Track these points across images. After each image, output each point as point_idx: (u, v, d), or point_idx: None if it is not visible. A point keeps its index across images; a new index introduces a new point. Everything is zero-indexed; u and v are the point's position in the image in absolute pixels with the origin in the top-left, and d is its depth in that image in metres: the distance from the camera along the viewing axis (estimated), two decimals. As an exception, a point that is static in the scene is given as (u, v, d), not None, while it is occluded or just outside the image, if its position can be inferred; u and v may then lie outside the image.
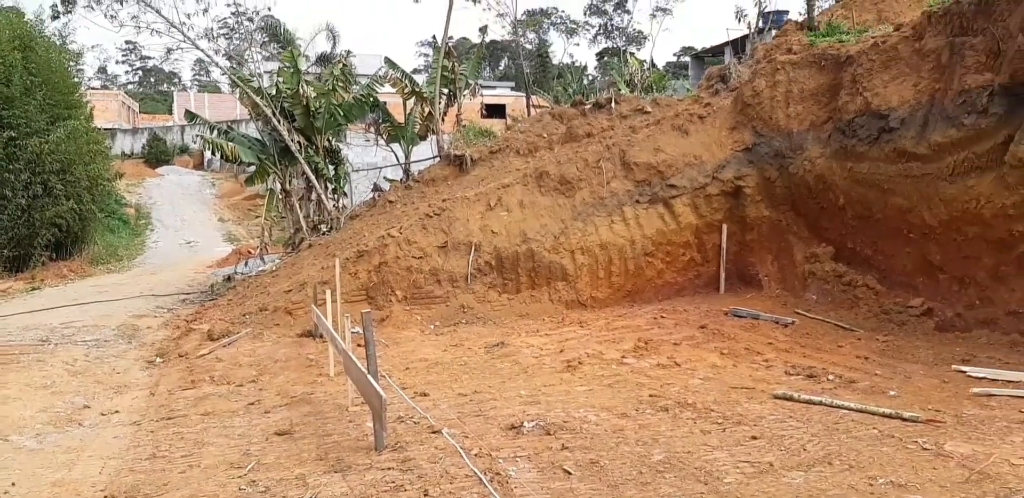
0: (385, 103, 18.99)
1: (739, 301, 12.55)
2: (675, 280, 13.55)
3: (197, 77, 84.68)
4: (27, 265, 20.71)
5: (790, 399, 7.35)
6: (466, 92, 18.84)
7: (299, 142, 17.60)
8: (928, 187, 10.07)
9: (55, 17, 22.65)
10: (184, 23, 18.56)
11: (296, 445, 6.69)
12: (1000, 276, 9.44)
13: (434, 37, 63.47)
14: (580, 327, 11.63)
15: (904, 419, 6.52)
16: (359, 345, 8.51)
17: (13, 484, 6.03)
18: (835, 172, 11.81)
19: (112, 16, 19.34)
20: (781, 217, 13.15)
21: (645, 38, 62.04)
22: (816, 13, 15.28)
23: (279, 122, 17.31)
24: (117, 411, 8.28)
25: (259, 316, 12.46)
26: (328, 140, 18.32)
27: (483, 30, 20.38)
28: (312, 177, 17.72)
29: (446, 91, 18.07)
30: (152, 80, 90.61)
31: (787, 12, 25.77)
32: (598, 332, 11.21)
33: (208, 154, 43.06)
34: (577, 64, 56.64)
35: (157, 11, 18.10)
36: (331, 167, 18.42)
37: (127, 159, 44.98)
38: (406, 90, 18.15)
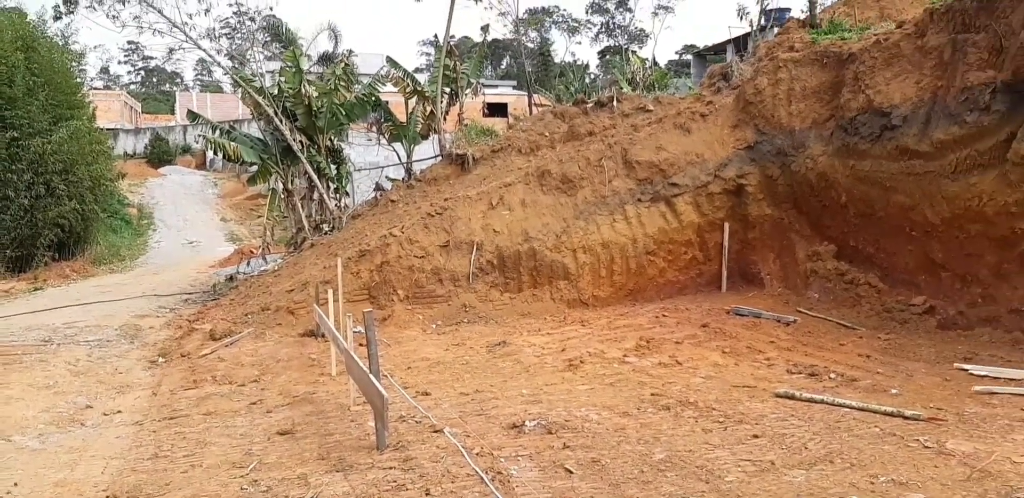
0: (387, 102, 18.99)
1: (741, 300, 12.54)
2: (677, 279, 13.54)
3: (199, 77, 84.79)
4: (30, 265, 20.77)
5: (792, 398, 7.34)
6: (468, 91, 18.85)
7: (301, 141, 17.62)
8: (930, 185, 10.04)
9: (57, 18, 22.69)
10: (186, 23, 18.59)
11: (298, 444, 6.70)
12: (1003, 274, 9.42)
13: (436, 36, 63.55)
14: (582, 326, 11.63)
15: (906, 417, 6.51)
16: (361, 344, 8.52)
17: (16, 484, 6.05)
18: (837, 170, 11.79)
19: (114, 16, 19.34)
20: (783, 215, 13.13)
21: (647, 36, 61.94)
22: (818, 10, 15.25)
23: (281, 122, 17.33)
24: (119, 411, 8.30)
25: (261, 316, 12.48)
26: (330, 139, 18.34)
27: (485, 29, 20.50)
28: (314, 176, 17.74)
29: (448, 90, 18.08)
30: (154, 80, 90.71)
31: (789, 9, 25.70)
32: (600, 331, 11.21)
33: (210, 154, 43.14)
34: (579, 63, 56.57)
35: (159, 11, 18.15)
36: (333, 166, 18.44)
37: (129, 159, 45.07)
38: (408, 89, 18.15)
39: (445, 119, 18.13)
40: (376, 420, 6.39)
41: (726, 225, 13.45)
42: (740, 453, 5.86)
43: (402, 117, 18.78)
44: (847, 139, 11.63)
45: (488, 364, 9.60)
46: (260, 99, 17.32)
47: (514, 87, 51.46)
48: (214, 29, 26.74)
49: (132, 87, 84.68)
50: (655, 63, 29.92)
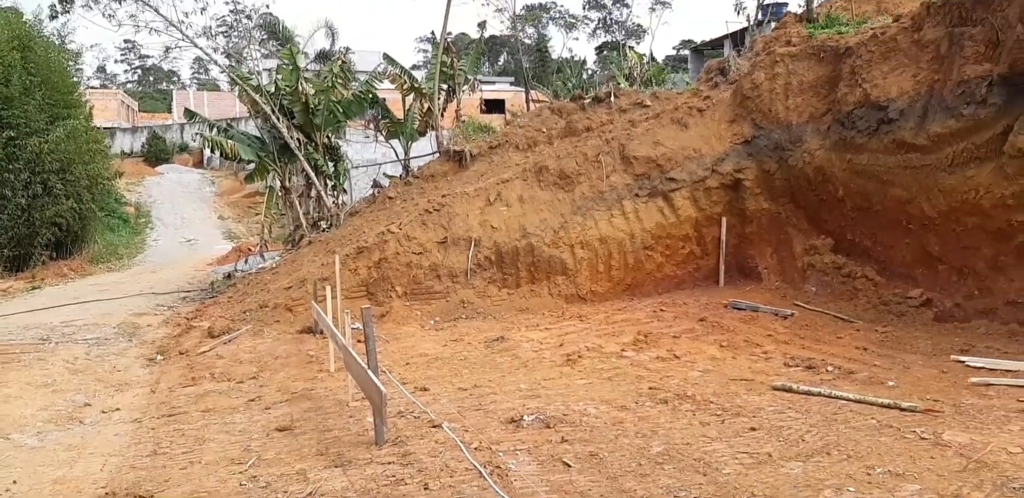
0: (384, 99, 18.95)
1: (738, 294, 12.56)
2: (675, 273, 13.56)
3: (196, 75, 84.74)
4: (27, 264, 20.73)
5: (789, 390, 7.36)
6: (465, 87, 18.80)
7: (298, 139, 17.58)
8: (927, 178, 10.05)
9: (53, 17, 22.56)
10: (182, 21, 18.57)
11: (297, 441, 6.71)
12: (999, 266, 9.44)
13: (433, 33, 63.44)
14: (580, 321, 11.65)
15: (902, 409, 6.54)
16: (359, 341, 8.53)
17: (14, 482, 6.05)
18: (834, 164, 11.80)
19: (110, 15, 19.27)
20: (780, 209, 13.14)
21: (644, 32, 61.94)
22: (815, 5, 15.23)
23: (278, 119, 17.29)
24: (118, 409, 8.31)
25: (259, 313, 12.48)
26: (327, 137, 18.29)
27: (482, 25, 20.36)
28: (312, 174, 17.71)
29: (445, 87, 18.04)
30: (151, 79, 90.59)
31: (786, 4, 25.63)
32: (598, 326, 11.23)
33: (208, 152, 42.92)
34: (576, 58, 56.63)
35: (155, 10, 18.07)
36: (330, 164, 18.40)
37: (127, 158, 45.01)
38: (405, 86, 18.11)
39: (442, 116, 18.09)
40: (375, 416, 6.41)
41: (723, 220, 13.46)
42: (737, 446, 5.88)
43: (399, 114, 18.75)
44: (844, 133, 11.63)
45: (486, 359, 9.62)
46: (257, 97, 17.28)
47: (511, 83, 51.42)
48: (211, 27, 26.65)
49: (129, 86, 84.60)
50: (652, 58, 29.93)
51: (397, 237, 13.08)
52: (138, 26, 18.82)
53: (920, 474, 5.12)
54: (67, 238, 22.37)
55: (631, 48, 28.68)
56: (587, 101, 15.34)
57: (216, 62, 22.18)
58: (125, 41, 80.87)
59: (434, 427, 6.71)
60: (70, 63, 27.19)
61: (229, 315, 12.73)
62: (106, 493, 5.66)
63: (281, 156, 17.83)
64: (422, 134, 18.44)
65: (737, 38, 27.19)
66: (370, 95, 18.13)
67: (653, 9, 52.02)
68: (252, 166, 19.04)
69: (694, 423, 6.53)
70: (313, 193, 18.21)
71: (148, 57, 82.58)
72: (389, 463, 5.89)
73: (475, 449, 6.05)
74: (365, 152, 24.52)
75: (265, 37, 22.55)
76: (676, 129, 14.04)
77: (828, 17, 14.48)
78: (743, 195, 13.34)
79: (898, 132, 10.53)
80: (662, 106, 14.63)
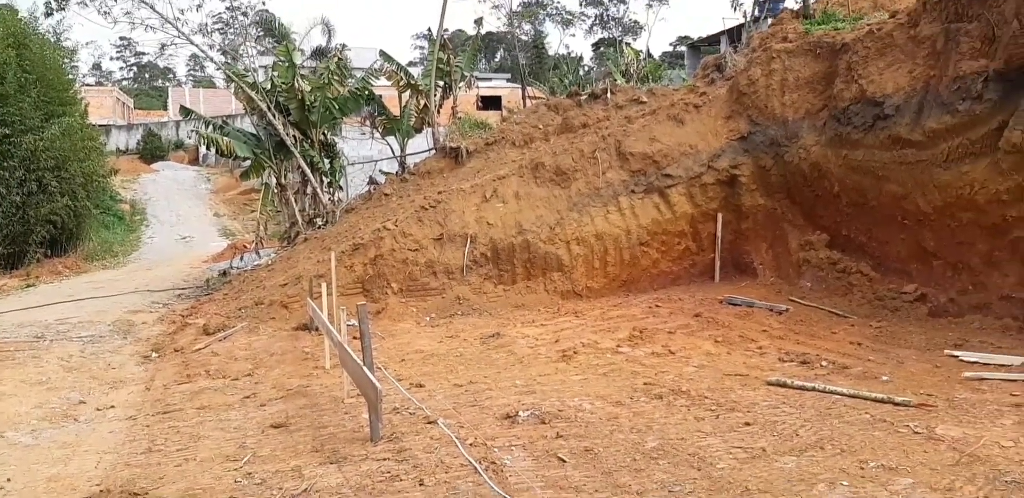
0: (380, 96, 18.91)
1: (734, 289, 12.57)
2: (670, 269, 13.56)
3: (192, 72, 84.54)
4: (22, 262, 20.68)
5: (783, 385, 7.38)
6: (462, 84, 18.77)
7: (294, 136, 17.54)
8: (922, 174, 10.06)
9: (49, 14, 22.48)
10: (178, 18, 18.56)
11: (292, 437, 6.71)
12: (993, 261, 9.46)
13: (429, 29, 63.38)
14: (575, 317, 11.65)
15: (896, 404, 6.56)
16: (355, 338, 8.52)
17: (8, 480, 6.04)
18: (830, 160, 11.81)
19: (106, 12, 19.17)
20: (776, 205, 13.15)
21: (641, 28, 61.91)
22: (812, 1, 15.22)
23: (274, 116, 17.25)
24: (113, 406, 8.29)
25: (255, 310, 12.46)
26: (323, 134, 18.26)
27: (479, 22, 20.34)
28: (308, 171, 17.68)
29: (441, 83, 18.01)
30: (146, 76, 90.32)
31: (783, 0, 25.67)
32: (593, 322, 11.24)
33: (203, 149, 42.98)
34: (573, 55, 56.59)
35: (151, 7, 17.98)
36: (327, 161, 18.37)
37: (122, 155, 44.90)
38: (401, 83, 18.08)
39: (439, 112, 18.06)
40: (370, 412, 6.41)
41: (719, 216, 13.46)
42: (732, 440, 5.89)
43: (396, 111, 18.72)
44: (840, 129, 11.64)
45: (482, 356, 9.62)
46: (253, 94, 17.24)
47: (508, 80, 51.29)
48: (206, 24, 26.62)
49: (124, 83, 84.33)
50: (649, 55, 29.90)
51: (393, 234, 13.07)
52: (133, 23, 18.73)
53: (913, 468, 5.14)
54: (62, 236, 22.33)
55: (628, 45, 28.65)
56: (583, 98, 15.34)
57: (212, 59, 22.03)
58: (120, 38, 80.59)
59: (429, 423, 6.72)
60: (65, 60, 27.16)
61: (224, 312, 12.71)
62: (101, 490, 5.65)
63: (277, 153, 17.79)
64: (418, 131, 18.41)
65: (734, 34, 27.20)
66: (366, 92, 18.09)
67: (650, 5, 51.84)
68: (248, 163, 19.00)
69: (689, 418, 6.54)
70: (309, 190, 18.18)
71: (144, 54, 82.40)
72: (384, 459, 5.90)
73: (470, 445, 6.06)
74: (361, 149, 24.45)
75: (261, 34, 22.52)
76: (672, 125, 14.04)
77: (824, 13, 14.47)
78: (739, 191, 13.34)
79: (894, 128, 10.54)
80: (658, 102, 14.62)
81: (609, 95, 15.15)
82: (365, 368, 6.37)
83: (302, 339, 11.13)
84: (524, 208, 13.44)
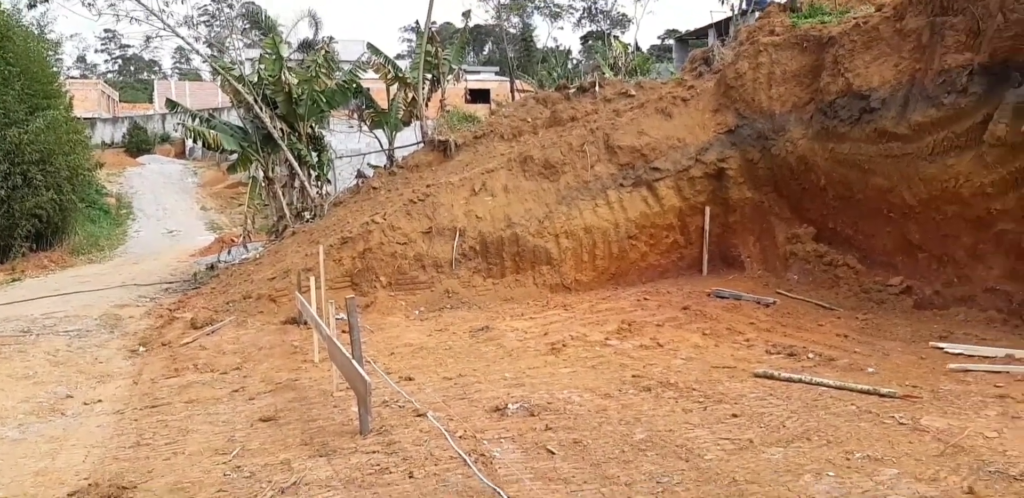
0: (368, 89, 18.82)
1: (721, 282, 12.63)
2: (658, 262, 13.61)
3: (178, 65, 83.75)
4: (7, 256, 20.53)
5: (770, 377, 7.44)
6: (450, 77, 18.71)
7: (282, 129, 17.43)
8: (908, 167, 10.13)
9: (32, 6, 22.25)
10: (163, 10, 18.20)
11: (281, 431, 6.71)
12: (978, 254, 9.55)
13: (417, 22, 63.01)
14: (564, 310, 11.68)
15: (881, 395, 6.62)
16: (343, 331, 8.53)
17: (-4, 473, 6.02)
18: (817, 153, 11.86)
19: (90, 4, 18.91)
20: (763, 198, 13.21)
21: (629, 21, 61.64)
22: (799, -6, 15.24)
23: (261, 109, 17.14)
24: (100, 400, 8.26)
25: (243, 304, 12.42)
26: (311, 127, 18.15)
27: (467, 14, 20.25)
28: (295, 164, 17.59)
29: (430, 76, 17.94)
30: (132, 69, 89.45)
31: (770, -6, 25.68)
32: (582, 315, 11.27)
33: (190, 142, 42.74)
34: (561, 48, 56.45)
35: (136, -1, 17.79)
36: (314, 154, 18.27)
37: (107, 148, 44.50)
38: (389, 76, 18.00)
39: (427, 105, 18.00)
40: (359, 405, 6.41)
41: (707, 209, 13.51)
42: (719, 432, 5.94)
43: (383, 104, 18.65)
44: (826, 122, 11.69)
45: (471, 349, 9.64)
46: (240, 87, 17.10)
47: (496, 73, 51.19)
48: (192, 16, 26.36)
49: (109, 76, 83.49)
50: (637, 48, 29.86)
51: (381, 227, 13.04)
52: (118, 15, 18.54)
53: (898, 459, 5.20)
54: (47, 230, 22.15)
55: (616, 38, 28.65)
56: (572, 91, 15.32)
57: (198, 52, 21.86)
58: (105, 31, 79.90)
59: (419, 416, 6.73)
60: (49, 53, 26.85)
61: (212, 306, 12.67)
62: (89, 484, 5.63)
63: (264, 146, 17.68)
64: (406, 124, 18.35)
65: (721, 28, 27.17)
66: (354, 85, 18.00)
67: (638, -1, 51.73)
68: (235, 156, 18.87)
69: (677, 410, 6.59)
70: (297, 183, 18.09)
71: (129, 47, 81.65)
72: (374, 452, 5.91)
73: (460, 437, 6.08)
74: (349, 142, 24.35)
75: (247, 26, 22.33)
76: (660, 119, 14.05)
77: (811, 6, 14.50)
78: (726, 184, 13.39)
79: (879, 121, 10.59)
80: (646, 96, 14.63)
81: (597, 88, 15.15)
82: (354, 361, 6.37)
83: (291, 333, 11.11)
84: (513, 201, 13.44)
